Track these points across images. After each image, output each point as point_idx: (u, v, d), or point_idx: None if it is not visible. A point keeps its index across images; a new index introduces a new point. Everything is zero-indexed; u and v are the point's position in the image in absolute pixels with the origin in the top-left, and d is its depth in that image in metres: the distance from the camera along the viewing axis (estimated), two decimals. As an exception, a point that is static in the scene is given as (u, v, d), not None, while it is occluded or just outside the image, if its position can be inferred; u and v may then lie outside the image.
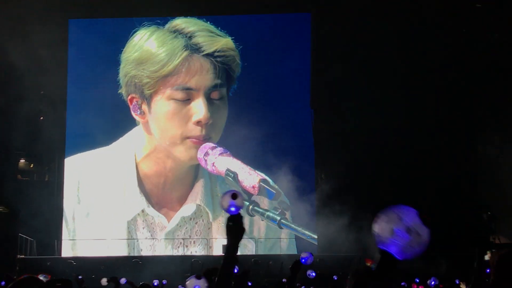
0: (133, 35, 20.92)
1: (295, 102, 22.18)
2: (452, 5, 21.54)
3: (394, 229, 2.13)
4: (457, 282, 12.61)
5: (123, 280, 12.24)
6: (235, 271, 11.10)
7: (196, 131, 20.06)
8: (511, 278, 2.75)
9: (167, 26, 20.65)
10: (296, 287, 5.01)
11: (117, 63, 20.98)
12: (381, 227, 2.13)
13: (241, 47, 20.90)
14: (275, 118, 21.43)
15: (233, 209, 2.75)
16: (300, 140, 21.72)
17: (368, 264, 17.02)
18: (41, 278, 3.31)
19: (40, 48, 20.36)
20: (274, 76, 22.04)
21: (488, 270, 3.36)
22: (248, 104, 21.22)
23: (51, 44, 20.62)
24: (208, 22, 20.92)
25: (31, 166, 23.48)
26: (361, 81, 21.20)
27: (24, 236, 20.14)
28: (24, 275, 3.63)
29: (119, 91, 20.72)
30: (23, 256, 19.77)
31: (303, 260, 5.04)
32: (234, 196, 2.73)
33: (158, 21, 20.83)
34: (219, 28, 20.87)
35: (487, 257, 3.59)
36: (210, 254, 20.59)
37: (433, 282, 10.58)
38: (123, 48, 21.00)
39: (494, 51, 21.87)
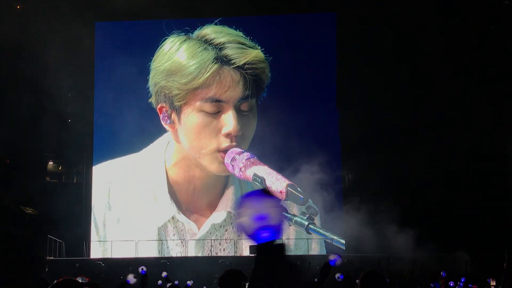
0: (163, 44, 20.83)
1: (321, 101, 22.12)
2: (481, 2, 21.32)
3: (252, 220, 2.12)
4: (489, 281, 12.46)
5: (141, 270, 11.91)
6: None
7: (226, 143, 19.99)
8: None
9: (196, 34, 20.45)
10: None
11: (145, 67, 21.04)
12: (245, 226, 2.12)
13: (271, 58, 20.82)
14: (301, 118, 21.38)
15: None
16: (327, 140, 21.61)
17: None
18: (79, 280, 3.32)
19: (68, 51, 20.60)
20: (300, 76, 21.99)
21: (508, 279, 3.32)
22: (274, 106, 21.18)
23: (79, 47, 20.85)
24: (237, 30, 20.81)
25: (60, 168, 23.78)
26: (387, 80, 21.06)
27: (53, 237, 20.36)
28: (64, 277, 3.65)
29: (149, 100, 20.76)
30: (52, 258, 19.99)
31: (331, 262, 5.04)
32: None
33: (187, 28, 20.77)
34: (244, 32, 20.78)
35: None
36: (238, 253, 20.57)
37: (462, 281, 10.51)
38: (152, 51, 21.04)
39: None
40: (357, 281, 4.84)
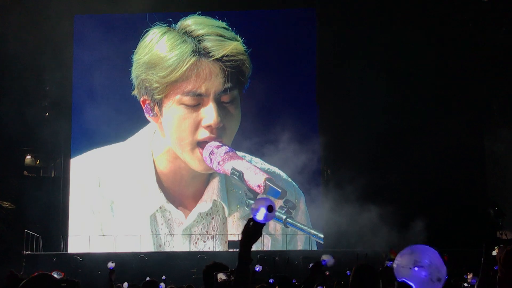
0: (145, 35, 20.73)
1: (301, 97, 22.15)
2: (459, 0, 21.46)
3: (415, 263, 2.15)
4: (465, 276, 12.52)
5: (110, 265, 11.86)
6: (257, 269, 11.09)
7: (206, 135, 19.95)
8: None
9: (178, 25, 20.39)
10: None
11: (125, 57, 20.92)
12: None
13: (250, 49, 20.78)
14: (280, 114, 21.37)
15: (261, 218, 2.74)
16: (306, 135, 21.62)
17: (392, 257, 16.93)
18: (54, 275, 3.27)
19: (45, 43, 20.38)
20: (280, 71, 22.00)
21: (496, 267, 3.31)
22: (254, 101, 21.16)
23: (57, 40, 20.63)
24: (220, 21, 20.77)
25: (37, 162, 23.53)
26: (367, 76, 21.12)
27: (30, 232, 20.16)
28: (37, 272, 3.59)
29: (132, 92, 20.64)
30: (29, 252, 19.80)
31: (323, 262, 4.99)
32: (270, 209, 2.72)
33: (170, 19, 20.68)
34: (227, 23, 20.71)
35: (494, 253, 3.53)
36: (226, 249, 20.56)
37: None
38: (134, 43, 20.92)
39: (502, 46, 21.75)
40: (326, 272, 4.84)
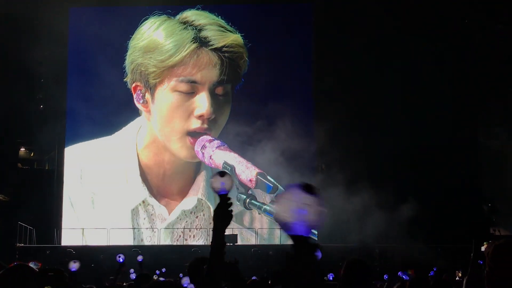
0: (143, 23, 20.76)
1: (297, 92, 22.12)
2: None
3: (291, 211, 2.11)
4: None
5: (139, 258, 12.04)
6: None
7: (197, 125, 19.93)
8: (505, 268, 2.69)
9: (178, 16, 20.47)
10: None
11: (119, 52, 20.87)
12: (280, 214, 2.11)
13: (250, 44, 20.78)
14: (277, 108, 21.32)
15: (218, 186, 2.73)
16: (301, 130, 21.59)
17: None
18: (31, 265, 3.25)
19: (40, 36, 20.29)
20: (276, 65, 21.94)
21: (481, 262, 3.31)
22: (250, 95, 21.16)
23: (52, 32, 20.56)
24: (220, 17, 20.76)
25: (32, 155, 23.49)
26: (362, 71, 21.12)
27: (24, 224, 20.13)
28: (15, 262, 3.58)
29: (125, 79, 20.60)
30: (22, 245, 19.76)
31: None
32: (221, 173, 2.70)
33: (169, 11, 20.68)
34: (220, 16, 20.70)
35: (483, 248, 3.52)
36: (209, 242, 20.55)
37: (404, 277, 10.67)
38: (125, 36, 20.89)
39: (497, 42, 21.75)
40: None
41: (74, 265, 6.37)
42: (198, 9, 20.69)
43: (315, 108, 22.26)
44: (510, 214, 21.05)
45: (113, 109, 20.97)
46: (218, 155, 18.96)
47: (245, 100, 21.02)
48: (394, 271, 12.37)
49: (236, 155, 19.02)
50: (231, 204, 2.81)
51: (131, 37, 20.81)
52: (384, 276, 11.04)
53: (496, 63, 22.02)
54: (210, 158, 18.99)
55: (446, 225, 20.08)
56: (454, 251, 18.96)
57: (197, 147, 19.29)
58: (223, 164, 18.62)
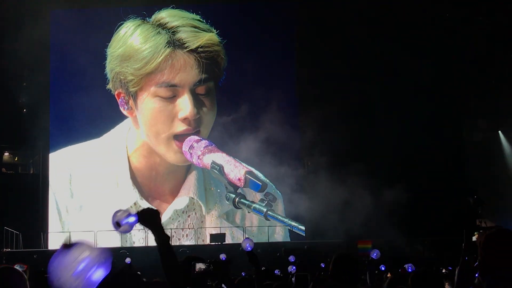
0: (119, 29, 20.58)
1: (280, 91, 22.11)
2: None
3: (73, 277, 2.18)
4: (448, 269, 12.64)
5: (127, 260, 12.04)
6: (223, 258, 11.08)
7: (183, 127, 19.88)
8: (497, 256, 2.72)
9: (152, 18, 20.33)
10: (262, 279, 4.79)
11: (102, 54, 20.74)
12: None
13: (225, 41, 20.72)
14: (260, 106, 21.32)
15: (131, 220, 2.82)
16: (286, 128, 21.61)
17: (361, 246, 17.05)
18: (17, 267, 3.24)
19: (22, 40, 20.15)
20: (259, 64, 21.91)
21: (466, 258, 3.37)
22: (234, 94, 21.15)
23: (34, 36, 20.41)
24: (194, 14, 20.68)
25: (16, 159, 23.31)
26: (346, 69, 21.18)
27: (10, 229, 19.97)
28: (1, 265, 3.57)
29: (107, 86, 20.48)
30: (9, 250, 19.61)
31: (249, 248, 4.87)
32: (117, 225, 2.78)
33: (144, 12, 20.55)
34: (201, 16, 20.62)
35: (474, 238, 3.56)
36: (200, 242, 20.51)
37: (410, 269, 10.69)
38: (108, 37, 20.72)
39: (480, 36, 21.90)
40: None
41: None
42: (173, 7, 20.62)
43: (299, 106, 22.28)
44: (495, 206, 21.24)
45: (99, 111, 20.85)
46: (206, 155, 18.95)
47: (229, 94, 20.98)
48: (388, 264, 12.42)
49: (224, 154, 19.01)
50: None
51: (108, 44, 20.68)
52: (381, 267, 11.04)
53: (478, 56, 22.18)
54: (198, 158, 18.97)
55: (432, 218, 20.19)
56: (440, 243, 19.11)
57: (185, 148, 19.26)
58: (211, 164, 18.62)
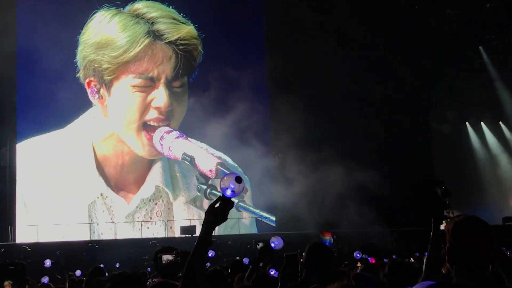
0: (93, 17, 20.34)
1: (251, 82, 22.11)
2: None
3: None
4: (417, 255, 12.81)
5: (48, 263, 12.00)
6: (210, 255, 11.06)
7: (154, 115, 19.81)
8: (465, 243, 2.76)
9: (127, 8, 20.16)
10: (259, 267, 4.81)
11: (68, 42, 20.45)
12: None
13: (204, 35, 20.69)
14: (231, 98, 21.29)
15: (229, 192, 2.63)
16: (257, 120, 21.63)
17: (326, 237, 17.18)
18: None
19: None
20: (230, 55, 21.87)
21: (426, 254, 3.41)
22: (206, 85, 21.11)
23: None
24: (170, 7, 20.58)
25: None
26: (315, 60, 21.24)
27: (-24, 223, 19.69)
28: None
29: (77, 74, 20.23)
30: (-25, 244, 19.32)
31: (273, 245, 4.89)
32: (239, 179, 2.62)
33: (118, 2, 20.35)
34: (171, 6, 20.52)
35: (442, 227, 3.60)
36: (171, 235, 20.45)
37: (358, 255, 10.84)
38: (75, 28, 20.46)
39: (447, 28, 22.12)
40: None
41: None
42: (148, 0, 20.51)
43: (270, 97, 22.31)
44: (463, 196, 21.54)
45: (64, 102, 20.55)
46: (177, 146, 18.91)
47: (201, 89, 20.96)
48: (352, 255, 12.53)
49: (195, 145, 18.98)
50: (230, 207, 2.70)
51: (81, 31, 20.42)
52: (356, 254, 11.12)
53: (446, 48, 22.42)
54: (169, 149, 18.92)
55: (401, 209, 20.40)
56: (408, 234, 19.32)
57: (155, 139, 19.19)
58: (182, 155, 18.58)
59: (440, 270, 3.81)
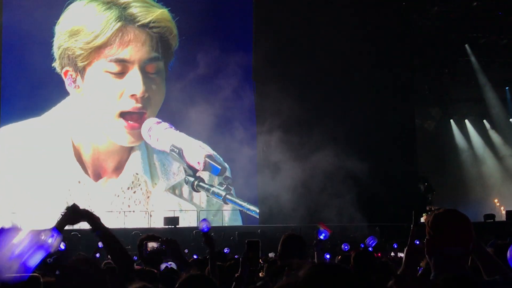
0: (67, 6, 20.33)
1: (236, 74, 22.01)
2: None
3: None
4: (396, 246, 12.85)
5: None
6: (226, 251, 11.03)
7: (131, 104, 19.73)
8: (444, 235, 2.78)
9: None
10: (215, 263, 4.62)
11: (50, 32, 20.32)
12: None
13: (177, 18, 20.61)
14: (216, 90, 21.18)
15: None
16: (242, 112, 21.57)
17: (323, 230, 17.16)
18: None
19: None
20: (215, 47, 21.72)
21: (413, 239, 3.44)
22: (189, 77, 20.98)
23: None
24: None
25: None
26: (301, 53, 21.21)
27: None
28: None
29: (53, 64, 20.13)
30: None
31: (206, 229, 4.64)
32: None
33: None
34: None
35: (422, 219, 3.62)
36: (151, 224, 20.39)
37: (346, 247, 10.89)
38: (55, 17, 20.34)
39: (433, 24, 22.21)
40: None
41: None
42: None
43: (255, 89, 22.25)
44: (445, 193, 21.69)
45: (43, 91, 20.38)
46: (165, 137, 18.84)
47: (181, 76, 20.82)
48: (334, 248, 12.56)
49: (184, 137, 18.91)
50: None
51: (56, 21, 20.33)
52: (344, 246, 11.14)
53: (431, 46, 22.51)
54: (157, 140, 18.86)
55: (384, 205, 20.47)
56: (391, 230, 19.40)
57: (144, 130, 19.12)
58: (170, 147, 18.52)
59: (419, 262, 3.83)
